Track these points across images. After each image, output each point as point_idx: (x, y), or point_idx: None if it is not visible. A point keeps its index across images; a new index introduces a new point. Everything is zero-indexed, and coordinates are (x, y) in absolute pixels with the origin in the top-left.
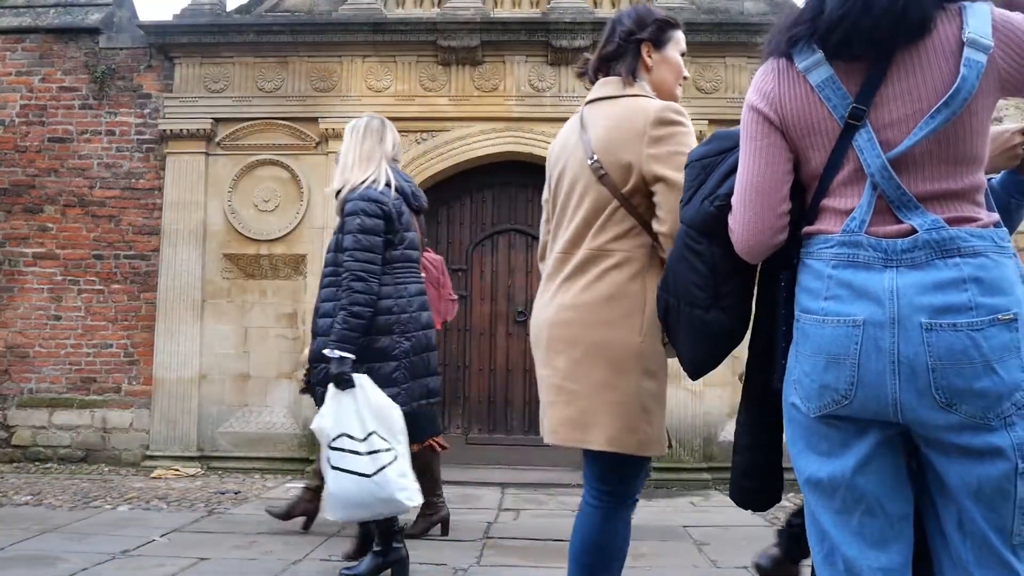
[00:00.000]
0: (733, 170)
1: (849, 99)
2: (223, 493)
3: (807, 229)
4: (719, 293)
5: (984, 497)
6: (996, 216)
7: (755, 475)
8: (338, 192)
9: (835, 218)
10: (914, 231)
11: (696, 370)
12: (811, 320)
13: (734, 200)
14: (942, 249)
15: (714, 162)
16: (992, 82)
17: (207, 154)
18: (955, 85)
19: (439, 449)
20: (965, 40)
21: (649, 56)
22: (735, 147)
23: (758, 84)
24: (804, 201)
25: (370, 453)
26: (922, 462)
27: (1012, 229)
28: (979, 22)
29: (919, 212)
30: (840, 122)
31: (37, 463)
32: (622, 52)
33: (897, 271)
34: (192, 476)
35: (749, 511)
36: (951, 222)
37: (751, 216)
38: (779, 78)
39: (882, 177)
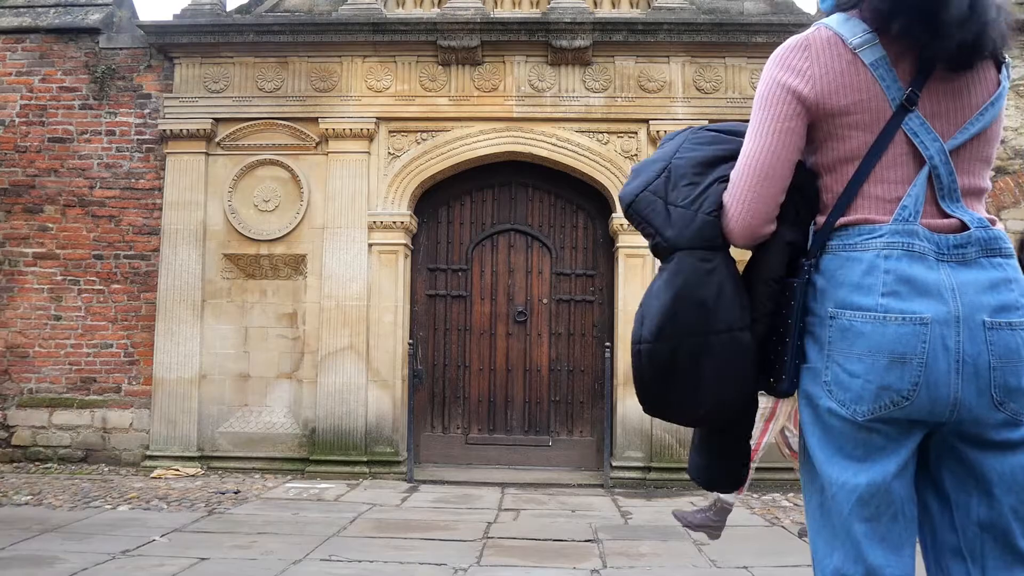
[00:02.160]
0: (698, 176)
1: (899, 83)
2: (223, 493)
3: (843, 220)
4: (744, 308)
5: (1017, 485)
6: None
7: (699, 449)
8: None
9: (880, 206)
10: (964, 227)
11: (725, 412)
12: (865, 317)
13: (734, 180)
14: (988, 248)
15: (660, 183)
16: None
17: (207, 154)
18: (998, 91)
19: None
20: (1004, 61)
21: None
22: (665, 166)
23: (789, 62)
24: (801, 188)
25: None
26: (940, 456)
27: None
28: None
29: (960, 206)
30: (892, 104)
31: (37, 463)
32: None
33: (950, 266)
34: (192, 476)
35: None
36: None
37: (755, 199)
38: (818, 55)
39: (940, 161)
